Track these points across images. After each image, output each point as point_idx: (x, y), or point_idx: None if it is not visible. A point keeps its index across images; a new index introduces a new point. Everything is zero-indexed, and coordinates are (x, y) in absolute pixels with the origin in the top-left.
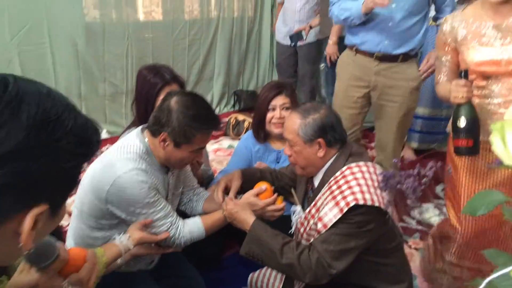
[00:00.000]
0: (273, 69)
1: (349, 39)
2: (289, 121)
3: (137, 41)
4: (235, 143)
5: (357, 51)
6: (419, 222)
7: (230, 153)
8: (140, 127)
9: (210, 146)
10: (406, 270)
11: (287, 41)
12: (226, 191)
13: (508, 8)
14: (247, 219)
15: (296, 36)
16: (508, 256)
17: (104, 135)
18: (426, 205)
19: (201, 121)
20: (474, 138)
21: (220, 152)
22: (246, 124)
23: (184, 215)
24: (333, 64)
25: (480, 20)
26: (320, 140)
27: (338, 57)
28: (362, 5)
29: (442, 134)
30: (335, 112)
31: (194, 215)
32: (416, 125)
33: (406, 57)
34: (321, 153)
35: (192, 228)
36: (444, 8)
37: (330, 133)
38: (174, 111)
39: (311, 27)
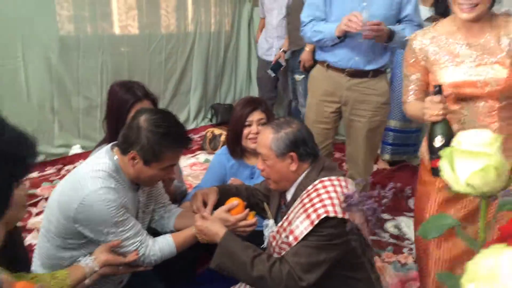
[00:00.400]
0: (250, 83)
1: (320, 55)
2: (262, 135)
3: (113, 55)
4: (212, 157)
5: (328, 66)
6: (392, 236)
7: (207, 167)
8: (110, 145)
9: (186, 161)
10: (377, 284)
11: (268, 57)
12: (204, 205)
13: (480, 26)
14: (218, 231)
15: (276, 66)
16: (457, 279)
17: (77, 150)
18: (400, 218)
19: (170, 139)
20: None
21: (196, 167)
22: (222, 138)
23: (155, 233)
24: (307, 71)
25: (453, 38)
26: (292, 154)
27: (312, 64)
28: (336, 29)
29: (412, 146)
30: (307, 127)
31: (165, 233)
32: (388, 137)
33: (376, 73)
34: (293, 167)
35: (162, 246)
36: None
37: (302, 147)
38: (143, 129)
39: (285, 52)
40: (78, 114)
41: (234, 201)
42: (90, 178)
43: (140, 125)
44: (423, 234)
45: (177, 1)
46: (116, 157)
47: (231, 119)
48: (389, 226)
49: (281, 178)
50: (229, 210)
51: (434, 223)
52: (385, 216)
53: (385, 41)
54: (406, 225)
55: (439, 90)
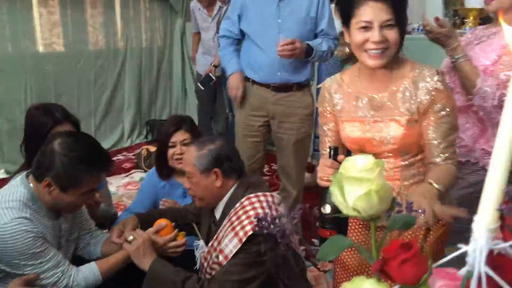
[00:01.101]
0: (186, 97)
1: (244, 72)
2: (186, 154)
3: (37, 74)
4: None
5: (254, 82)
6: None
7: None
8: (25, 172)
9: (121, 180)
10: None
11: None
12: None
13: (384, 75)
14: (146, 257)
15: (206, 81)
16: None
17: (1, 175)
18: None
19: (87, 162)
20: (339, 230)
21: (131, 186)
22: None
23: (83, 260)
24: None
25: (356, 90)
26: (216, 170)
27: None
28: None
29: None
30: (231, 143)
31: (92, 259)
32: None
33: (300, 87)
34: (218, 183)
35: (87, 275)
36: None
37: (226, 163)
38: (57, 154)
39: (215, 66)
40: (1, 137)
41: (161, 222)
42: (3, 209)
43: (54, 149)
44: (322, 256)
45: (104, 17)
46: (31, 185)
47: (157, 140)
48: None
49: (207, 195)
50: (157, 232)
51: (332, 245)
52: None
53: (304, 56)
54: None
55: (332, 152)
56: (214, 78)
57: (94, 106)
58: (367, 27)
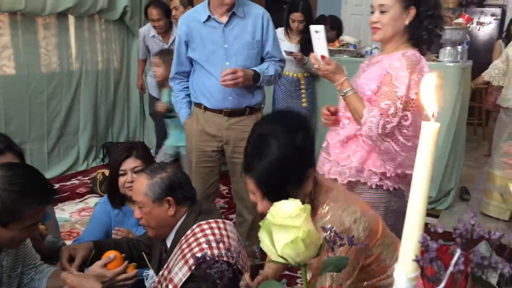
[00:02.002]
0: (144, 119)
1: (196, 98)
2: (136, 183)
3: None
4: None
5: (206, 108)
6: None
7: None
8: None
9: (74, 206)
10: None
11: (156, 94)
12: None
13: None
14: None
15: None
16: None
17: None
18: None
19: (29, 196)
20: None
21: (85, 212)
22: None
23: None
24: None
25: None
26: (169, 198)
27: None
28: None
29: None
30: (182, 170)
31: None
32: None
33: (252, 110)
34: (171, 212)
35: None
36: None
37: (178, 190)
38: None
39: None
40: None
41: (110, 254)
42: None
43: None
44: None
45: (58, 39)
46: None
47: (109, 167)
48: None
49: (160, 224)
50: (105, 265)
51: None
52: None
53: (252, 82)
54: None
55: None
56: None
57: (48, 129)
58: None
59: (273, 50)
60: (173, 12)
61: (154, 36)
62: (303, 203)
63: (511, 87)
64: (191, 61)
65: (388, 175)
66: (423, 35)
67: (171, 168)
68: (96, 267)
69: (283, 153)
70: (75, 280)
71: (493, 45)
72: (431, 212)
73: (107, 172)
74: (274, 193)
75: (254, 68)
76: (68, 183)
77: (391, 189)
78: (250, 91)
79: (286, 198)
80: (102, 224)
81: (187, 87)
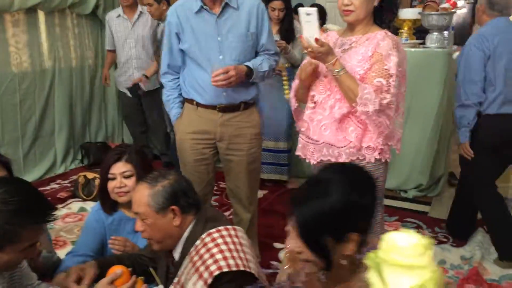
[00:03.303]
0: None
1: (188, 94)
2: (136, 194)
3: None
4: (87, 205)
5: (198, 104)
6: None
7: (82, 218)
8: None
9: (57, 213)
10: None
11: (126, 89)
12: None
13: None
14: None
15: (134, 88)
16: None
17: None
18: None
19: (25, 215)
20: None
21: (69, 218)
22: (97, 182)
23: None
24: None
25: None
26: (174, 207)
27: None
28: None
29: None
30: (185, 177)
31: None
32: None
33: (247, 105)
34: (177, 222)
35: None
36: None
37: (182, 198)
38: None
39: (147, 77)
40: None
41: (117, 270)
42: None
43: None
44: None
45: (28, 36)
46: None
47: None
48: (283, 255)
49: (165, 236)
50: (112, 282)
51: None
52: (277, 245)
53: (244, 79)
54: None
55: None
56: (143, 88)
57: (22, 132)
58: None
59: (267, 42)
60: None
61: (119, 15)
62: (340, 263)
63: None
64: (183, 54)
65: (381, 147)
66: (387, 17)
67: (172, 175)
68: (102, 285)
69: (336, 202)
70: None
71: (470, 30)
72: (423, 200)
73: (89, 174)
74: (311, 239)
75: (247, 64)
76: (48, 187)
77: (388, 160)
78: (245, 86)
79: (322, 249)
80: (96, 233)
81: (179, 88)
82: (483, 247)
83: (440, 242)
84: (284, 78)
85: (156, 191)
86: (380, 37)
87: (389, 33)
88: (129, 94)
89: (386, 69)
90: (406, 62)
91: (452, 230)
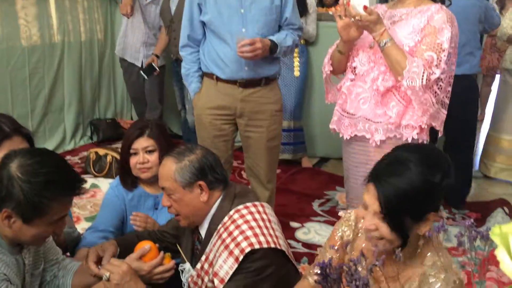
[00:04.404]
0: None
1: (207, 67)
2: (163, 168)
3: None
4: (99, 181)
5: (218, 79)
6: (304, 245)
7: (93, 194)
8: None
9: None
10: None
11: (134, 61)
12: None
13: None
14: (137, 286)
15: (148, 69)
16: None
17: None
18: (308, 224)
19: (55, 187)
20: None
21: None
22: (109, 158)
23: None
24: None
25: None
26: (201, 182)
27: None
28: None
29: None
30: (211, 152)
31: None
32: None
33: (268, 81)
34: (204, 197)
35: None
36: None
37: (210, 173)
38: (16, 180)
39: (158, 56)
40: None
41: (145, 245)
42: None
43: (12, 175)
44: None
45: (38, 9)
46: None
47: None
48: (299, 234)
49: (193, 212)
50: (140, 257)
51: None
52: (293, 224)
53: (268, 53)
54: (316, 231)
55: None
56: (157, 69)
57: (31, 107)
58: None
59: (292, 16)
60: None
61: None
62: (413, 244)
63: None
64: (203, 27)
65: (423, 127)
66: None
67: (200, 150)
68: (131, 260)
69: (418, 182)
70: (121, 278)
71: None
72: None
73: (100, 151)
74: (393, 216)
75: (272, 38)
76: None
77: (425, 142)
78: (267, 61)
79: (401, 227)
80: (116, 209)
81: (199, 63)
82: None
83: (457, 223)
84: (295, 55)
85: (183, 166)
86: (435, 10)
87: (444, 7)
88: (145, 76)
89: (438, 43)
90: (457, 40)
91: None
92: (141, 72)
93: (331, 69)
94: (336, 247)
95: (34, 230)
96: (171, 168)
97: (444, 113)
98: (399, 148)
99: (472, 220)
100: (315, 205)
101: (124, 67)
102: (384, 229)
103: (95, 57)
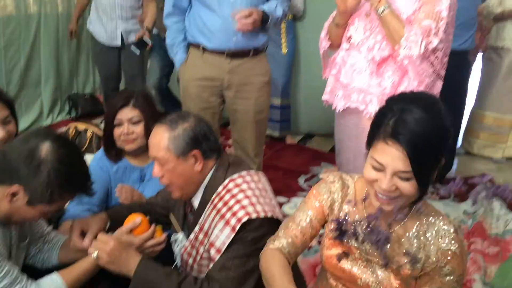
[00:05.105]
0: None
1: (193, 37)
2: (155, 137)
3: None
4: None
5: (205, 49)
6: None
7: None
8: None
9: None
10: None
11: (111, 42)
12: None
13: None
14: (130, 260)
15: (141, 44)
16: None
17: None
18: (294, 199)
19: (74, 182)
20: None
21: None
22: (89, 134)
23: (33, 270)
24: None
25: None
26: (195, 152)
27: None
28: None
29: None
30: (205, 120)
31: (47, 269)
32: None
33: (256, 52)
34: (198, 167)
35: None
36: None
37: (204, 142)
38: (44, 164)
39: (149, 31)
40: None
41: (136, 218)
42: None
43: (42, 157)
44: None
45: None
46: None
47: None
48: (286, 208)
49: (186, 182)
50: (131, 231)
51: None
52: (280, 199)
53: (260, 25)
54: None
55: None
56: (149, 43)
57: (6, 80)
58: (379, 169)
59: None
60: None
61: None
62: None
63: (507, 26)
64: None
65: None
66: None
67: (193, 118)
68: (121, 233)
69: (435, 126)
70: (112, 249)
71: None
72: None
73: (80, 126)
74: (422, 166)
75: (263, 9)
76: None
77: None
78: (255, 32)
79: (428, 177)
80: (100, 182)
81: (184, 33)
82: (486, 203)
83: (441, 198)
84: (282, 31)
85: (176, 135)
86: None
87: None
88: (109, 43)
89: (437, 11)
90: (456, 9)
91: None
92: (134, 45)
93: (329, 44)
94: (319, 205)
95: (32, 212)
96: (164, 137)
97: (440, 84)
98: (397, 101)
99: (489, 177)
100: (301, 180)
101: (99, 48)
102: (406, 186)
103: None
